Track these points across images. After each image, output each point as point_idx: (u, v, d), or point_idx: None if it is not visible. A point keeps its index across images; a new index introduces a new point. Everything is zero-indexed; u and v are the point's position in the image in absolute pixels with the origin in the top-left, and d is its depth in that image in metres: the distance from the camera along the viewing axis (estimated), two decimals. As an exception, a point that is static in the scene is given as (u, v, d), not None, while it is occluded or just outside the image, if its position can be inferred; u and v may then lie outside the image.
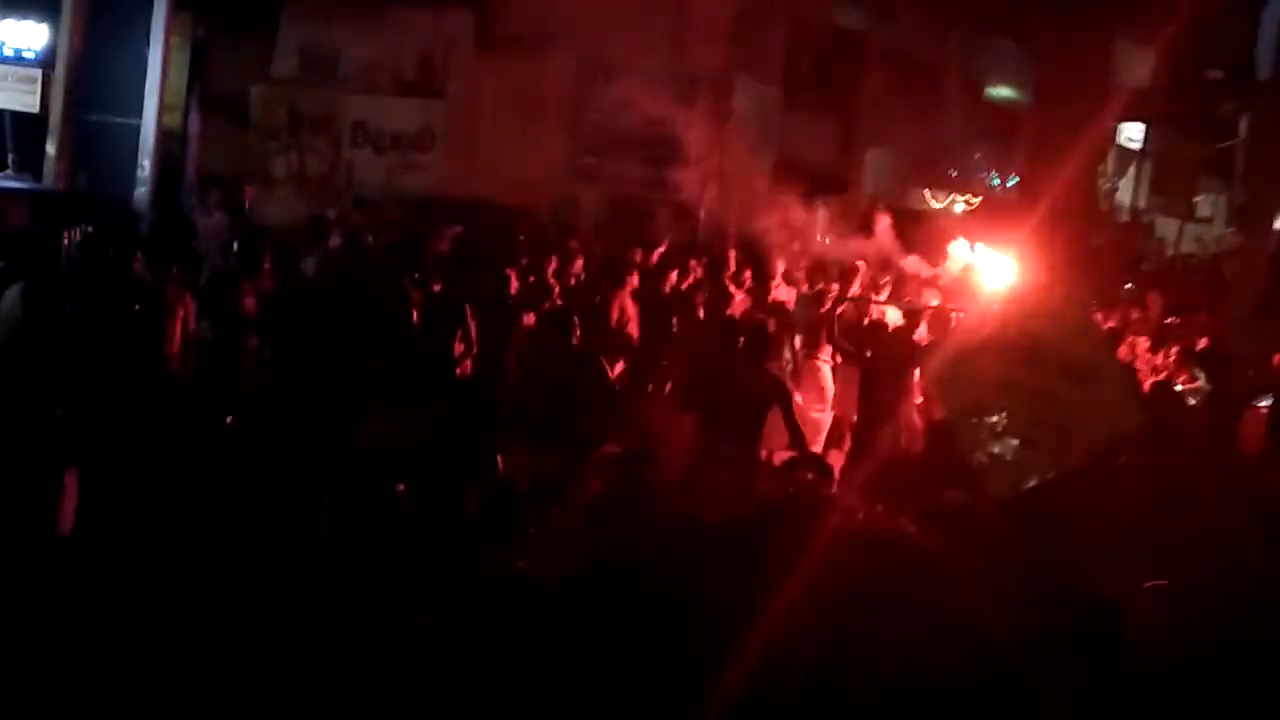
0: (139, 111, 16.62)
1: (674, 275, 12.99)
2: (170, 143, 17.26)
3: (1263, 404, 9.56)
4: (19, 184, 15.64)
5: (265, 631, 4.72)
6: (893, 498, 6.34)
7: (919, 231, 12.96)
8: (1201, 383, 10.11)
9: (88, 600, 4.88)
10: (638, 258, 13.29)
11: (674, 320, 11.53)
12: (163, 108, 16.82)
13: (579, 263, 12.82)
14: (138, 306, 8.16)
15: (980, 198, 24.19)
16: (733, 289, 12.63)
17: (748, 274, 13.31)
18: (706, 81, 18.03)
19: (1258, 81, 28.03)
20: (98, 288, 8.44)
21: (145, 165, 16.53)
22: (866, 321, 11.41)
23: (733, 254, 13.99)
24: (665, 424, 7.73)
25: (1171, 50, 33.09)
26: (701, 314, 11.69)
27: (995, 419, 6.32)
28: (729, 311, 11.54)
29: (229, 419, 6.27)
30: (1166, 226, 31.24)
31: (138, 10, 16.81)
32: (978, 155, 25.65)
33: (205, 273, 10.53)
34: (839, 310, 11.40)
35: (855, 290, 12.56)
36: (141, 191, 16.37)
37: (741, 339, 9.26)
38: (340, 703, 4.41)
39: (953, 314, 10.68)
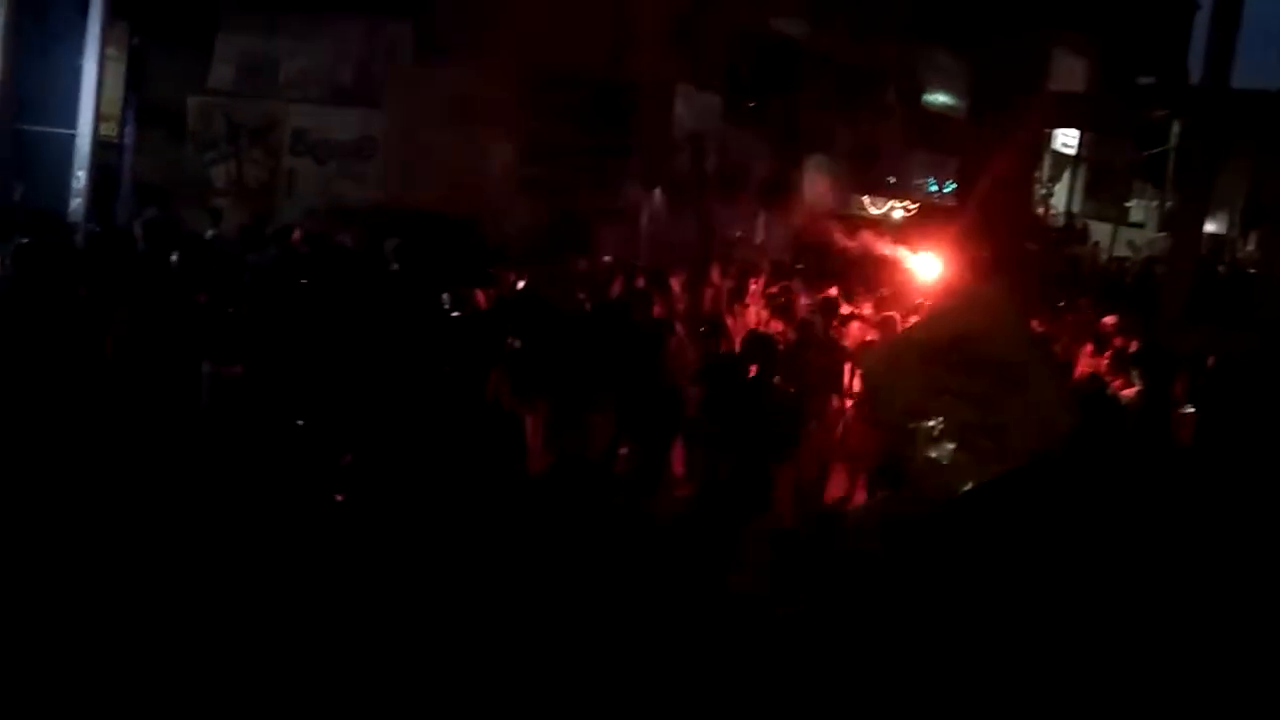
0: (74, 122, 16.42)
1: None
2: (106, 153, 17.07)
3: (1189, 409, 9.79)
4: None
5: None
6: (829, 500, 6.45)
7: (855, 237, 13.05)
8: (1135, 384, 10.29)
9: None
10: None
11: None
12: (98, 118, 16.62)
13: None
14: (73, 319, 8.08)
15: (918, 204, 24.46)
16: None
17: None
18: (647, 89, 18.10)
19: (1189, 88, 28.53)
20: (32, 299, 8.34)
21: (80, 176, 16.31)
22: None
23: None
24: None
25: (1105, 57, 33.72)
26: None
27: (931, 423, 6.41)
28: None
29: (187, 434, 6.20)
30: (1101, 231, 31.73)
31: (72, 19, 16.61)
32: (915, 162, 25.94)
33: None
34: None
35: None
36: (77, 203, 16.16)
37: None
38: None
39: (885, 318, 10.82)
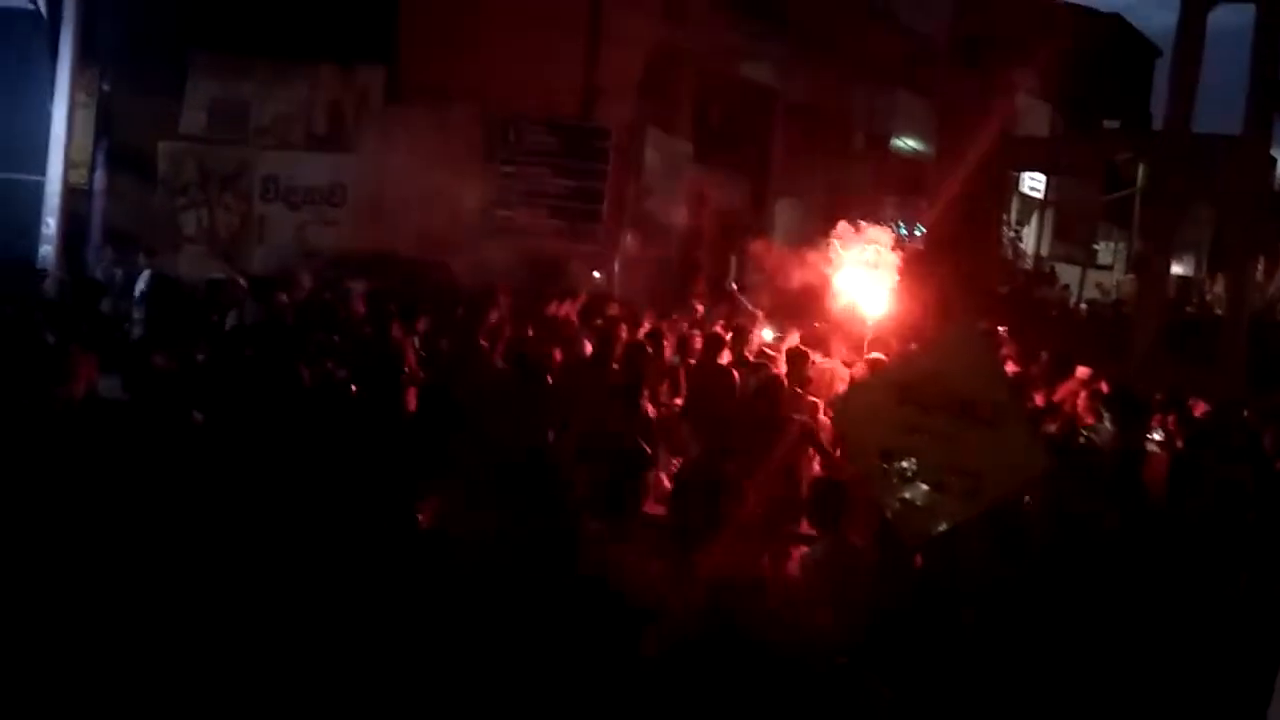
0: (44, 168, 16.37)
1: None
2: (76, 200, 17.00)
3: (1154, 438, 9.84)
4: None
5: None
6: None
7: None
8: (1105, 425, 10.34)
9: None
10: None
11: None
12: (68, 164, 16.57)
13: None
14: (39, 367, 8.00)
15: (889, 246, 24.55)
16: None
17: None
18: (616, 134, 18.20)
19: (1153, 132, 28.91)
20: None
21: (50, 223, 16.24)
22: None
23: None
24: None
25: (1070, 102, 34.15)
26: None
27: (905, 464, 6.42)
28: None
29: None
30: (1069, 273, 32.00)
31: (42, 65, 16.59)
32: (884, 204, 26.11)
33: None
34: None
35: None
36: (46, 250, 16.08)
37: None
38: None
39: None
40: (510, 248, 17.44)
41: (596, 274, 17.65)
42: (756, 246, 16.47)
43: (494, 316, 11.89)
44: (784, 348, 11.49)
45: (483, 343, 10.61)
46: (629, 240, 18.82)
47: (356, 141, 18.60)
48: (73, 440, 6.64)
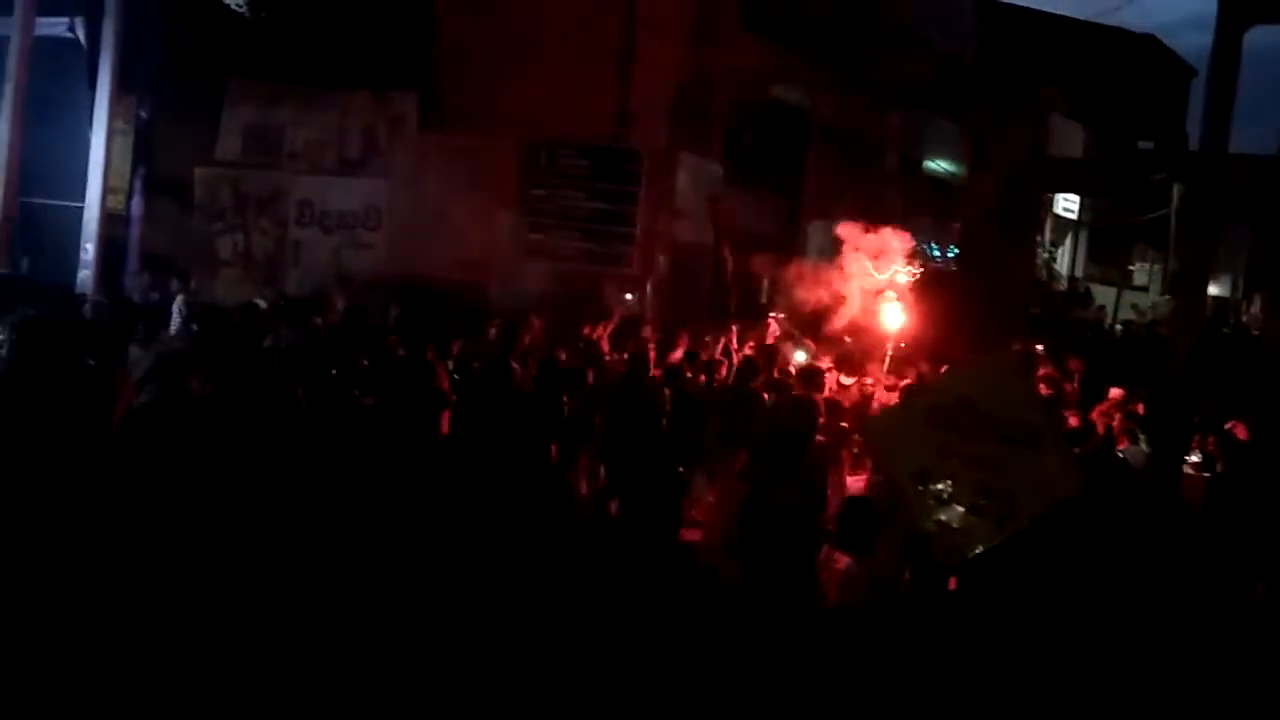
0: (82, 195, 16.58)
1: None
2: (114, 225, 17.20)
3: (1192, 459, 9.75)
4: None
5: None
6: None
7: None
8: (1142, 446, 10.27)
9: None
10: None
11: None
12: (106, 190, 16.78)
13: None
14: (80, 390, 8.10)
15: (922, 268, 24.49)
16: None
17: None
18: (648, 158, 18.24)
19: (1189, 152, 28.69)
20: (39, 371, 8.38)
21: (89, 248, 16.44)
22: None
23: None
24: None
25: (1105, 123, 33.99)
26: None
27: (940, 486, 6.40)
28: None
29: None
30: (1105, 294, 31.79)
31: (81, 94, 16.81)
32: (917, 227, 26.06)
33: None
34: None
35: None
36: (85, 275, 16.27)
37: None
38: None
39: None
40: (543, 271, 17.50)
41: (628, 296, 17.66)
42: (789, 268, 16.48)
43: (526, 339, 11.95)
44: (806, 368, 11.51)
45: (514, 365, 10.68)
46: (661, 263, 18.83)
47: (390, 166, 18.73)
48: (119, 458, 6.75)
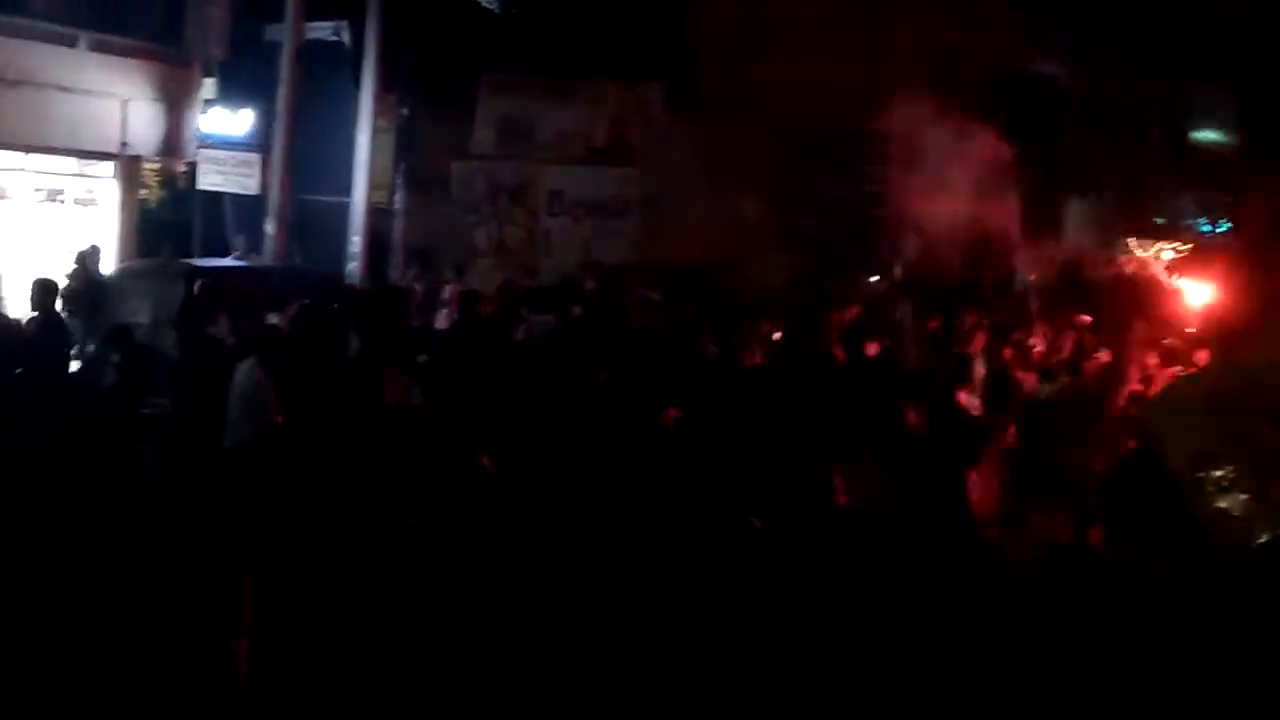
0: (349, 190, 17.34)
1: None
2: (378, 219, 17.93)
3: None
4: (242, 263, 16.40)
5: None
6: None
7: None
8: None
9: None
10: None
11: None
12: (371, 186, 17.50)
13: None
14: (349, 376, 8.50)
15: (1190, 245, 23.35)
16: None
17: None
18: (900, 139, 17.87)
19: None
20: (316, 357, 8.85)
21: (355, 240, 17.18)
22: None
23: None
24: None
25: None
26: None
27: (1221, 472, 6.07)
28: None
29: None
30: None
31: (346, 94, 17.58)
32: (1184, 201, 24.83)
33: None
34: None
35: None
36: (353, 265, 17.02)
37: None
38: None
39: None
40: (792, 255, 17.38)
41: (873, 279, 17.39)
42: (1046, 247, 15.96)
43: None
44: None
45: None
46: (912, 244, 18.47)
47: (639, 154, 18.92)
48: (389, 443, 7.05)
